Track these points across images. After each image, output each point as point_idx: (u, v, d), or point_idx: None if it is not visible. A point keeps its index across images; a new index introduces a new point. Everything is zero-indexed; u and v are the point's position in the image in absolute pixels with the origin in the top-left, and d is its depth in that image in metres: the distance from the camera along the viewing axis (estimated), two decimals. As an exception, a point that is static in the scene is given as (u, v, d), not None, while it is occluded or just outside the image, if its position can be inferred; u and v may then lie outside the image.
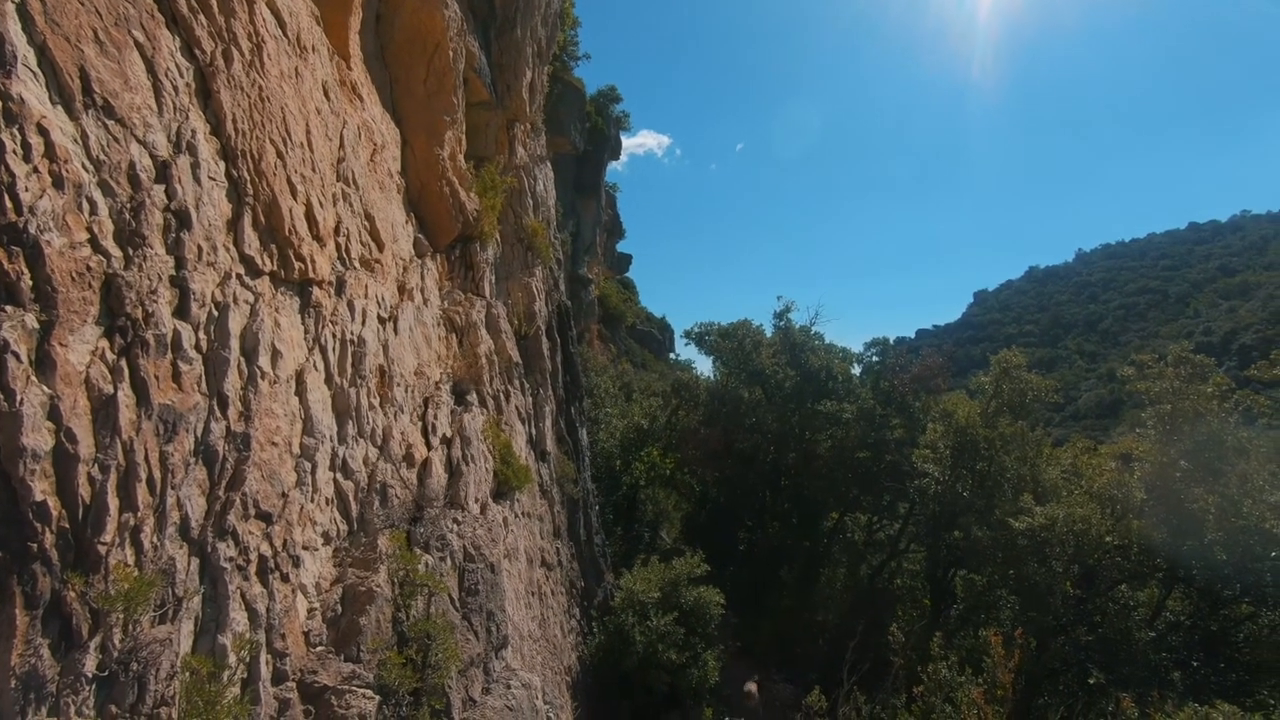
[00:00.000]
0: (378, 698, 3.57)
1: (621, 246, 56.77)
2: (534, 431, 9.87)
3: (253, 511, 3.45)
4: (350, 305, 5.31)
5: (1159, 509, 13.49)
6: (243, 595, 3.26)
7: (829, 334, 22.68)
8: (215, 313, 3.58)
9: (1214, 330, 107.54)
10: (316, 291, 4.77)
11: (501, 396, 8.55)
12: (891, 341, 22.67)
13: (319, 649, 3.78)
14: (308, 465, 4.18)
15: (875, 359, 21.04)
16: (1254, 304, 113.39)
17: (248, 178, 4.01)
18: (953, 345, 33.94)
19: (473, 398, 7.39)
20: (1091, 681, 12.14)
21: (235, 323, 3.72)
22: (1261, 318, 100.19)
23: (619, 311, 48.46)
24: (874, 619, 16.74)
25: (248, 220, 3.99)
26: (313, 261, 4.68)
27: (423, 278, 7.67)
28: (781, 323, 21.21)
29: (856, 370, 20.98)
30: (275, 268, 4.26)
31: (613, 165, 46.50)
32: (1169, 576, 14.19)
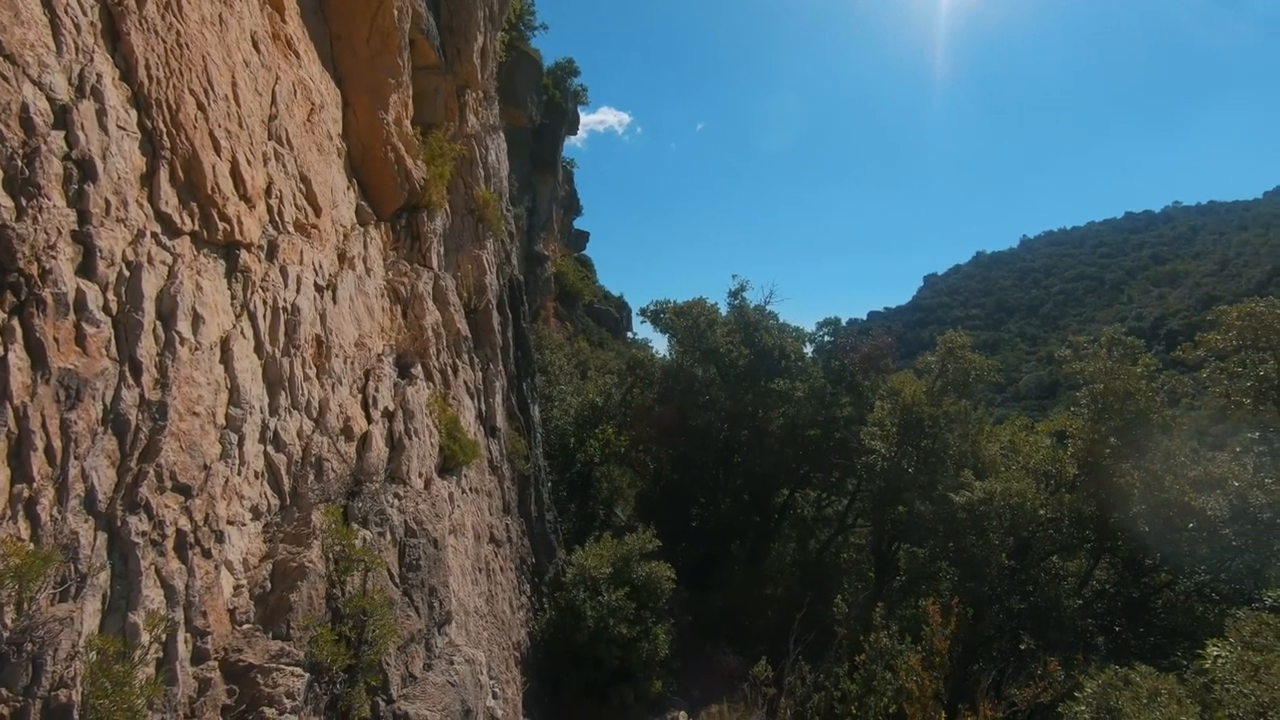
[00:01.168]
0: (307, 675, 3.44)
1: (579, 223, 56.15)
2: (484, 407, 9.69)
3: (169, 484, 3.25)
4: (283, 271, 5.05)
5: (1089, 483, 14.15)
6: (158, 572, 3.08)
7: (783, 314, 23.01)
8: (127, 273, 3.34)
9: (1145, 316, 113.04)
10: (245, 255, 4.51)
11: (449, 371, 8.35)
12: (844, 323, 23.06)
13: (245, 627, 3.63)
14: (234, 437, 3.98)
15: (827, 339, 21.37)
16: (1181, 291, 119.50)
17: (163, 129, 3.74)
18: (902, 327, 34.79)
19: (418, 371, 7.19)
20: (1023, 647, 12.75)
21: (150, 284, 3.48)
22: (1188, 304, 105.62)
23: (576, 289, 48.04)
24: (821, 591, 17.20)
25: (164, 175, 3.73)
26: (240, 223, 4.42)
27: (365, 246, 7.38)
28: (736, 301, 21.32)
29: (809, 350, 21.29)
30: (196, 228, 4.00)
31: (571, 140, 45.83)
32: (1097, 547, 14.94)
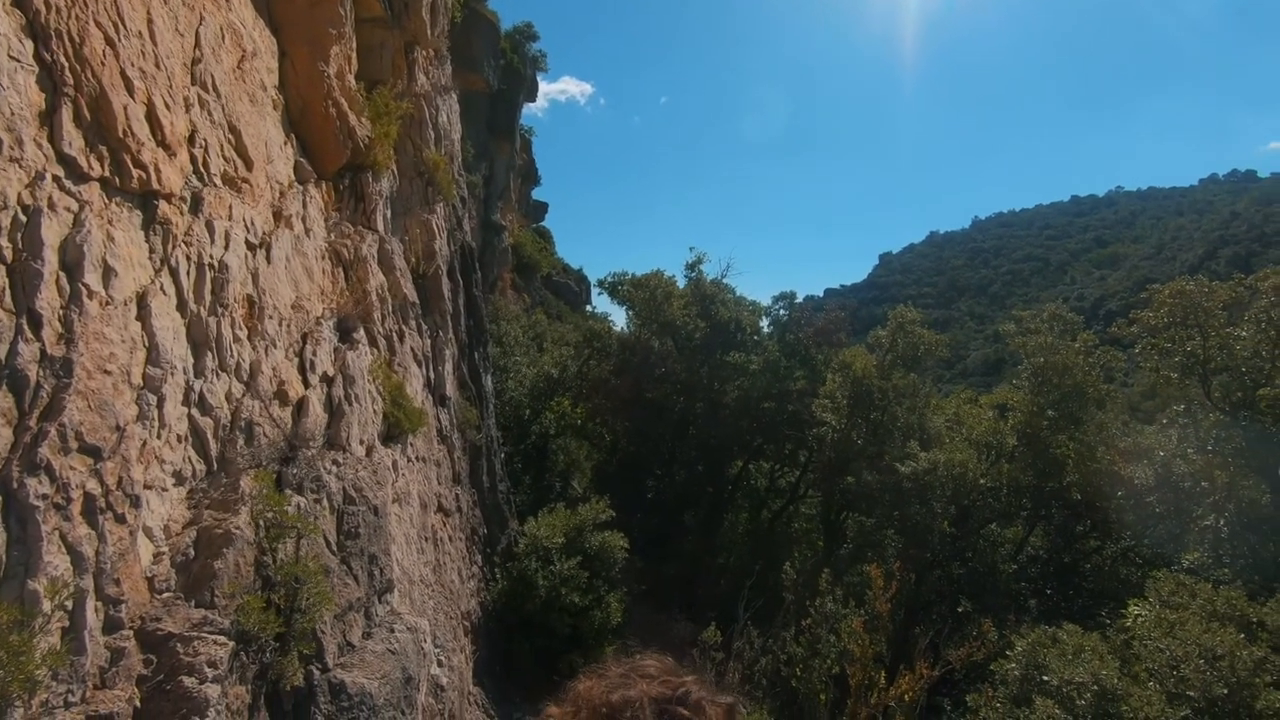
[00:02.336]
0: (232, 643, 3.31)
1: (538, 194, 55.15)
2: (432, 375, 9.48)
3: (75, 445, 3.05)
4: (209, 226, 4.77)
5: (1027, 454, 14.73)
6: (63, 537, 2.90)
7: (740, 287, 23.07)
8: (23, 217, 3.09)
9: (1086, 296, 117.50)
10: (164, 206, 4.23)
11: (395, 337, 8.11)
12: (801, 299, 23.29)
13: (165, 595, 3.47)
14: (152, 398, 3.76)
15: (782, 312, 21.58)
16: (1120, 273, 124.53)
17: (65, 64, 3.44)
18: (857, 304, 35.40)
19: (360, 336, 6.95)
20: (961, 610, 13.30)
21: (51, 231, 3.23)
22: (1126, 286, 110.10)
23: (534, 261, 47.37)
24: (771, 560, 17.60)
25: (66, 114, 3.44)
26: (157, 171, 4.13)
27: (304, 205, 7.04)
28: (693, 274, 21.33)
29: (764, 323, 21.50)
30: (107, 173, 3.72)
31: (529, 108, 44.79)
32: (1032, 515, 15.61)
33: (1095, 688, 7.17)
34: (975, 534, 14.90)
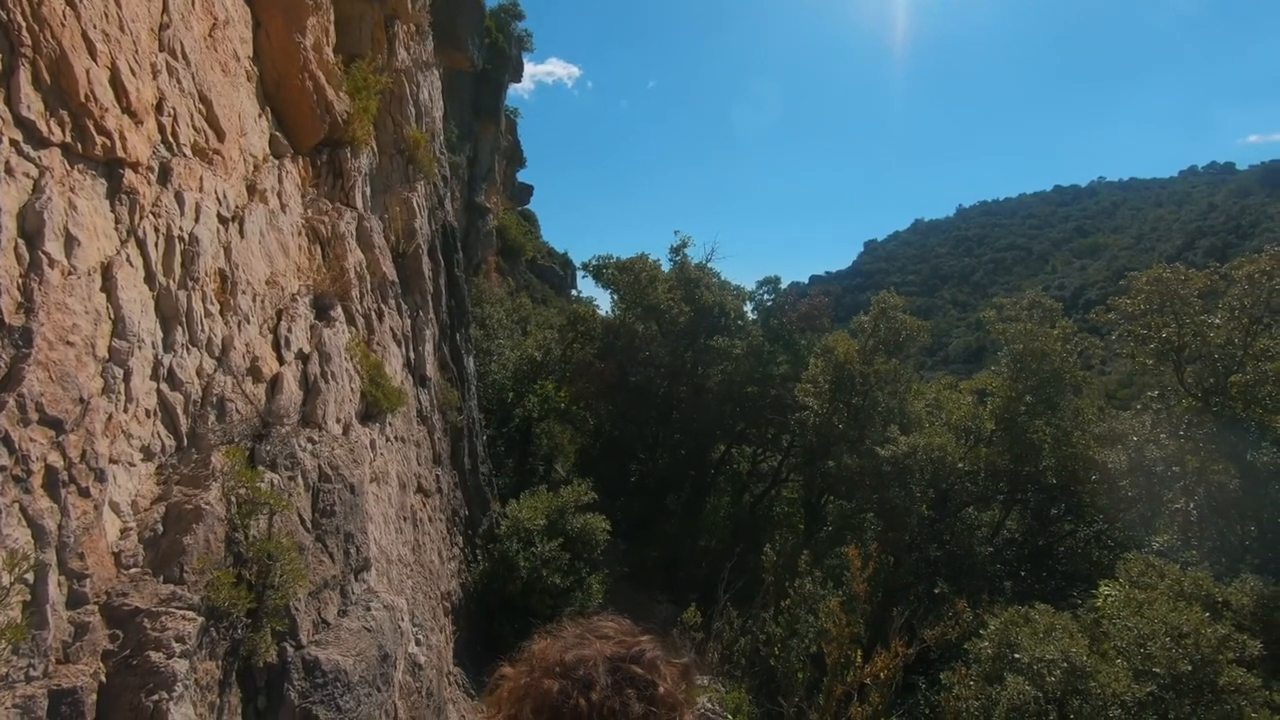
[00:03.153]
0: (200, 619, 3.27)
1: (523, 176, 54.66)
2: (413, 355, 9.39)
3: (35, 416, 2.97)
4: (179, 197, 4.66)
5: (1005, 438, 14.93)
6: (23, 510, 2.83)
7: (724, 272, 23.05)
8: (-22, 182, 2.98)
9: (1067, 285, 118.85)
10: (130, 175, 4.12)
11: (374, 315, 8.01)
12: (785, 285, 23.30)
13: (133, 571, 3.41)
14: (118, 371, 3.68)
15: (766, 297, 21.61)
16: (1100, 263, 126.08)
17: (22, 24, 3.32)
18: (842, 291, 35.54)
19: (338, 313, 6.85)
20: (937, 591, 13.51)
21: (10, 197, 3.13)
22: (1105, 275, 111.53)
23: (519, 244, 47.01)
24: (752, 543, 17.74)
25: (24, 76, 3.32)
26: (123, 138, 4.02)
27: (280, 180, 6.91)
28: (678, 258, 21.26)
29: (748, 308, 21.52)
30: (69, 139, 3.61)
31: (515, 89, 44.21)
32: (1009, 499, 15.87)
33: (1065, 665, 7.34)
34: (953, 517, 15.12)
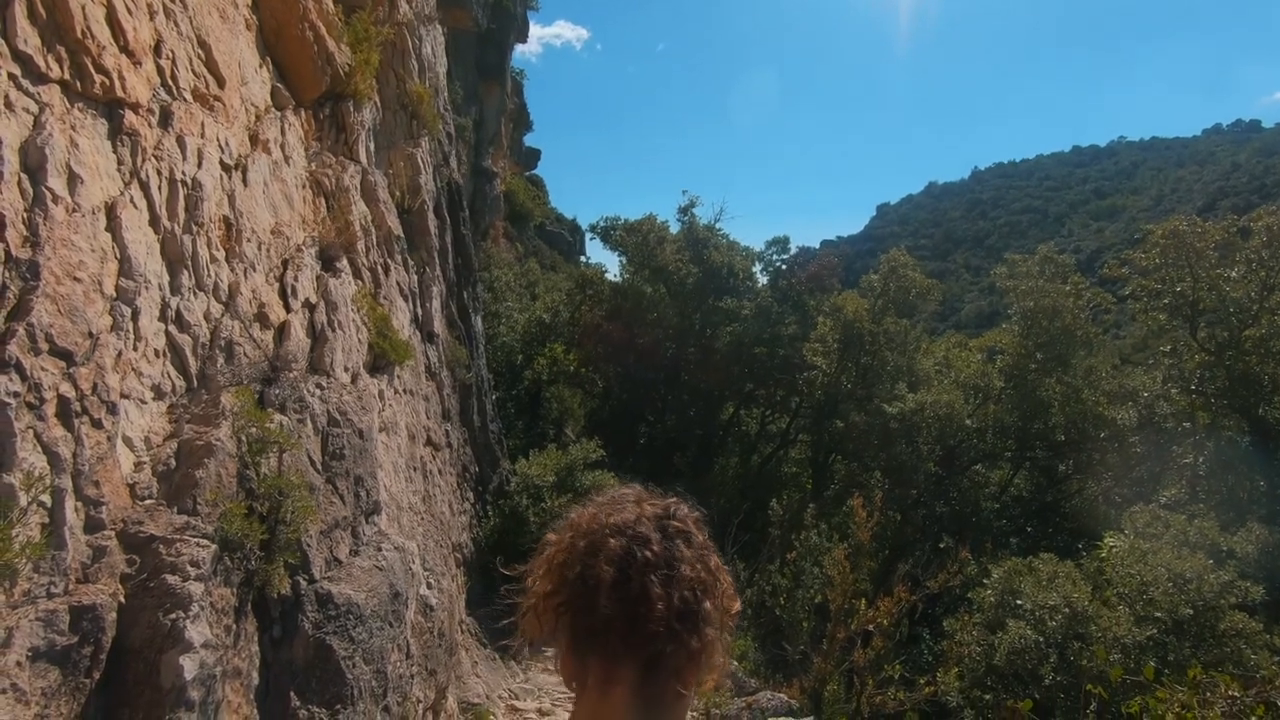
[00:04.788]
0: (214, 546, 3.37)
1: (530, 140, 54.00)
2: (419, 311, 9.43)
3: (45, 347, 3.03)
4: (180, 142, 4.65)
5: (1014, 395, 14.88)
6: (37, 436, 2.91)
7: (734, 234, 22.81)
8: (-22, 114, 2.99)
9: (1083, 249, 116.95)
10: (130, 116, 4.11)
11: (380, 269, 8.03)
12: (794, 248, 23.06)
13: (148, 502, 3.51)
14: (126, 309, 3.73)
15: (775, 258, 21.42)
16: (1118, 225, 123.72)
17: (15, -46, 3.29)
18: (853, 255, 35.16)
19: (343, 265, 6.87)
20: (942, 546, 13.64)
21: (10, 131, 3.14)
22: (1122, 238, 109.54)
23: (526, 209, 46.71)
24: (759, 502, 17.92)
25: (20, 8, 3.30)
26: (121, 78, 4.00)
27: (283, 133, 6.87)
28: (686, 219, 21.06)
29: (757, 269, 21.35)
30: (67, 77, 3.60)
31: (521, 51, 43.43)
32: (1018, 456, 15.88)
33: (1066, 610, 7.43)
34: (960, 475, 15.18)
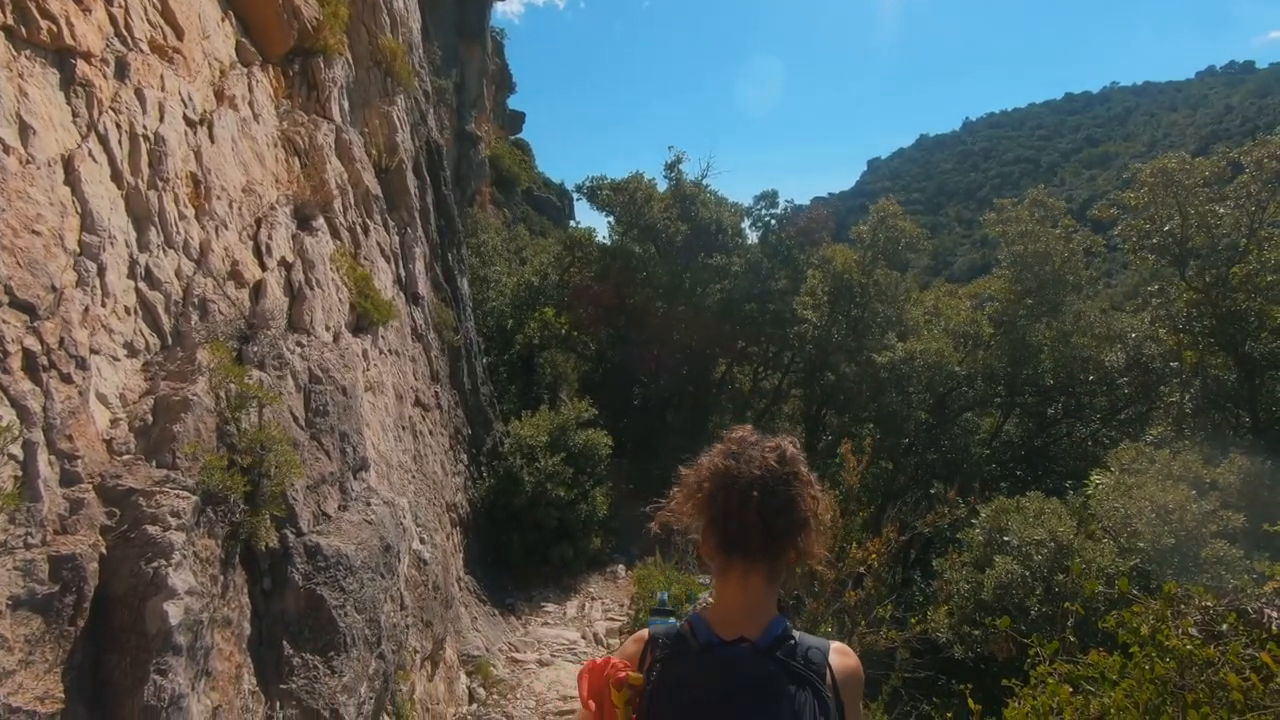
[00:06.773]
0: (195, 498, 3.37)
1: (514, 103, 52.88)
2: (402, 272, 9.33)
3: (6, 300, 2.97)
4: (139, 94, 4.50)
5: (1003, 341, 14.92)
6: (4, 389, 2.87)
7: (723, 190, 22.49)
8: (-85, 59, 2.88)
9: (1075, 198, 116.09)
10: (83, 66, 3.97)
11: (359, 229, 7.91)
12: (784, 202, 22.80)
13: (126, 457, 3.49)
14: (91, 265, 3.65)
15: (764, 213, 21.20)
16: (1110, 173, 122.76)
17: (-59, -111, 3.13)
18: (845, 211, 34.86)
19: (320, 224, 6.76)
20: (933, 492, 13.82)
21: (-47, 78, 3.03)
22: (1114, 185, 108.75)
23: (513, 174, 46.00)
24: (754, 457, 18.05)
25: (-47, -51, 3.15)
26: (69, 25, 3.85)
27: (250, 89, 6.68)
28: (672, 175, 20.76)
29: (746, 224, 21.15)
30: (10, 22, 3.46)
31: (503, 10, 42.25)
32: (1007, 403, 16.00)
33: (1052, 544, 7.57)
34: (951, 422, 15.31)
